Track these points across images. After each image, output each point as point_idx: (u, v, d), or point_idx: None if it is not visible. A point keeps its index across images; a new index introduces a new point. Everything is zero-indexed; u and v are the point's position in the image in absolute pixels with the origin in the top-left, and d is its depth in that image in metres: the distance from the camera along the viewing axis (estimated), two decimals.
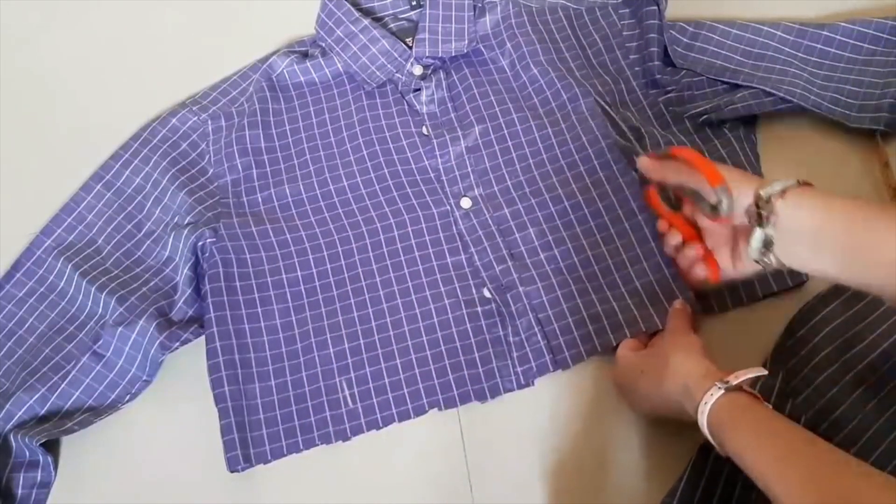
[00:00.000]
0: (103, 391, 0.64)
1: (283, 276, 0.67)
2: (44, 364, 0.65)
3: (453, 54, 0.77)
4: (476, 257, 0.67)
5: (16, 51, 0.86)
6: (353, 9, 0.77)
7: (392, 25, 0.80)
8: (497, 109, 0.74)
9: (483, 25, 0.79)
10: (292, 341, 0.65)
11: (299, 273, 0.68)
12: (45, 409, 0.62)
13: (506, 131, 0.73)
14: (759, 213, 0.51)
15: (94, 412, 0.63)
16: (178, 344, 0.64)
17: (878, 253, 0.47)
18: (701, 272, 0.59)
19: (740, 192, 0.52)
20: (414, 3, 0.80)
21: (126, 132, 0.77)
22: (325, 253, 0.68)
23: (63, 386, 0.63)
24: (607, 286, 0.66)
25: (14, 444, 0.60)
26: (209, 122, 0.74)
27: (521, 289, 0.65)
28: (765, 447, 0.46)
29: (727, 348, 0.62)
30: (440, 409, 0.62)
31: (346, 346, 0.65)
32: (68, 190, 0.75)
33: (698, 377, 0.52)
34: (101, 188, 0.74)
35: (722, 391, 0.49)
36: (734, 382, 0.50)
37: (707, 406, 0.49)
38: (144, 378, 0.64)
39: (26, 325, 0.68)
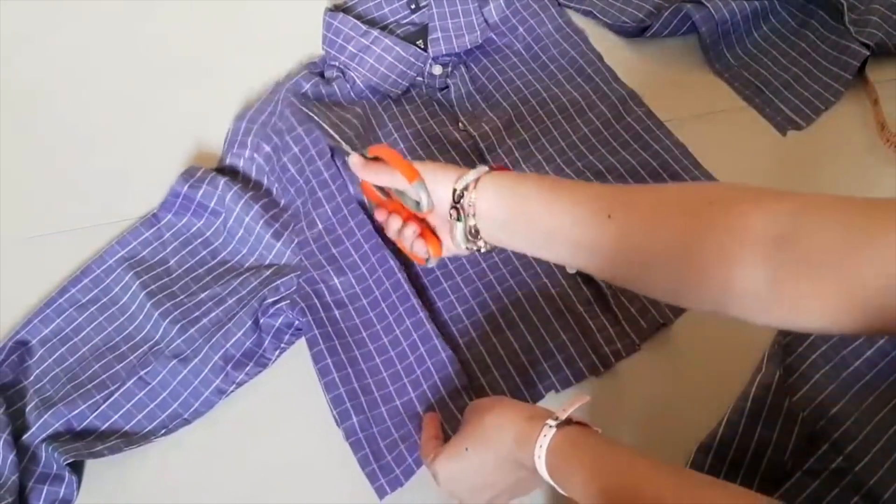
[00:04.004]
0: (140, 420, 0.62)
1: (377, 293, 0.65)
2: (90, 380, 0.63)
3: (468, 47, 0.77)
4: None
5: (16, 51, 0.83)
6: (359, 23, 0.77)
7: (398, 32, 0.80)
8: (526, 92, 0.76)
9: (489, 14, 0.80)
10: (404, 356, 0.63)
11: (393, 295, 0.65)
12: (82, 426, 0.61)
13: (540, 111, 0.75)
14: (457, 208, 0.52)
15: (127, 439, 0.61)
16: (234, 387, 0.63)
17: (539, 223, 0.48)
18: (421, 250, 0.58)
19: (437, 185, 0.53)
20: (413, 6, 0.81)
21: (126, 133, 0.77)
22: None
23: (103, 407, 0.61)
24: None
25: (43, 454, 0.59)
26: (255, 155, 0.72)
27: None
28: (600, 476, 0.43)
29: (724, 347, 0.62)
30: (557, 391, 0.62)
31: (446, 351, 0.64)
32: (67, 189, 0.73)
33: (524, 423, 0.48)
34: (182, 203, 0.70)
35: (554, 429, 0.46)
36: (564, 416, 0.47)
37: (543, 449, 0.45)
38: (185, 416, 0.62)
39: (82, 334, 0.66)
